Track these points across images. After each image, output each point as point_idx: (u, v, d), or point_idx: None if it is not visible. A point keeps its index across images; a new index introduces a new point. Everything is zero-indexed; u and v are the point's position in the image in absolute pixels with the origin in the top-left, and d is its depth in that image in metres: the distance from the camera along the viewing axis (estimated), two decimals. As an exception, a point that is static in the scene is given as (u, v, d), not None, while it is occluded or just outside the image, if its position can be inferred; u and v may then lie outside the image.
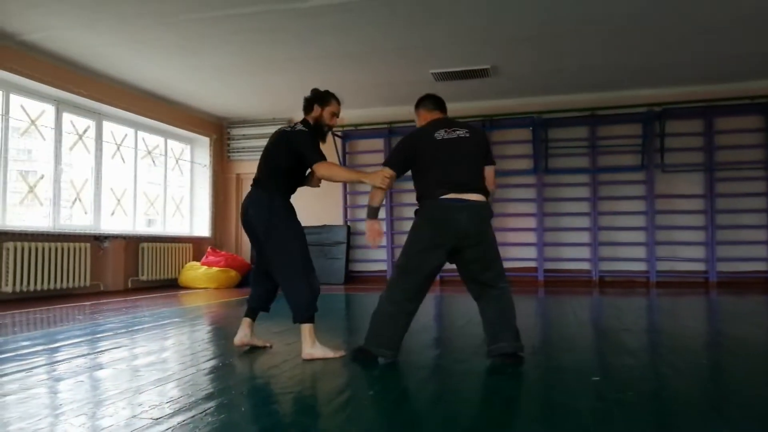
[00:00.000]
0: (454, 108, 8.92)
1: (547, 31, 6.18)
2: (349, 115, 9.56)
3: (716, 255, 8.16)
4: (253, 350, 3.29)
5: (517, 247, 8.92)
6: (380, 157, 9.44)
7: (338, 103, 3.36)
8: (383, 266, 9.32)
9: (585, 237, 8.69)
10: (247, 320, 3.31)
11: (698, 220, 8.34)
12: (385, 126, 9.37)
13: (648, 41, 6.47)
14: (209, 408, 2.11)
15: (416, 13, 5.72)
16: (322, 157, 3.08)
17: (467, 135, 2.97)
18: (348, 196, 9.62)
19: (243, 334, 3.29)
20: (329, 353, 3.02)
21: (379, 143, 9.52)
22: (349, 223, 9.46)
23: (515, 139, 8.96)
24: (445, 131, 2.98)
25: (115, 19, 5.73)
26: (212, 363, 2.97)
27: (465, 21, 5.90)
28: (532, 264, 8.81)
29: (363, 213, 9.50)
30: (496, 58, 7.07)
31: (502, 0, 5.43)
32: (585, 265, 8.67)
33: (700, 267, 8.30)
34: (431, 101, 3.23)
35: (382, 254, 9.34)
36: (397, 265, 3.01)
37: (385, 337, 2.91)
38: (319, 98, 3.32)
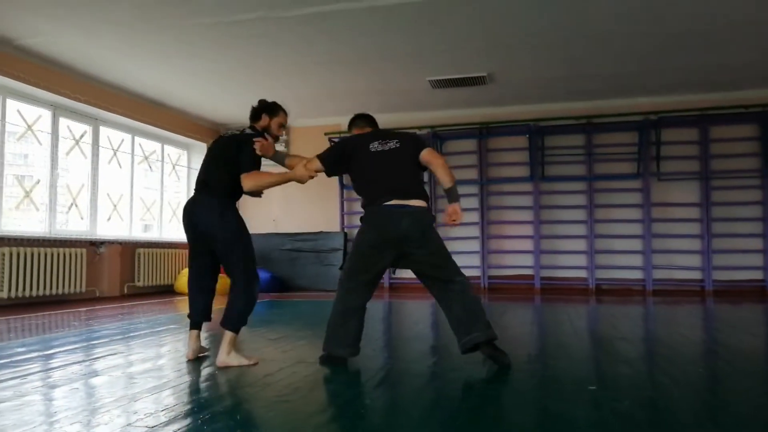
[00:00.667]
0: (450, 115, 9.09)
1: (543, 40, 6.22)
2: (346, 121, 9.56)
3: (712, 263, 8.19)
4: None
5: (514, 254, 8.94)
6: (377, 164, 9.46)
7: (286, 114, 3.43)
8: (380, 273, 9.29)
9: (581, 245, 8.71)
10: (194, 333, 3.22)
11: (694, 229, 8.37)
12: (382, 133, 9.36)
13: (643, 50, 6.51)
14: (205, 416, 2.10)
15: (412, 21, 5.74)
16: (252, 168, 3.09)
17: (398, 145, 3.10)
18: (345, 202, 9.62)
19: (195, 348, 3.19)
20: (244, 361, 3.01)
21: (376, 150, 9.51)
22: (346, 230, 9.46)
23: (512, 146, 8.99)
24: (379, 143, 3.12)
25: (112, 24, 5.73)
26: (208, 370, 2.95)
27: (462, 29, 5.93)
28: (529, 272, 8.82)
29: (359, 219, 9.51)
30: (492, 66, 7.10)
31: (499, 8, 5.47)
32: (581, 273, 8.69)
33: (696, 275, 8.33)
34: (363, 119, 3.44)
35: (379, 261, 9.31)
36: (344, 269, 3.13)
37: (340, 336, 3.03)
38: (268, 108, 3.37)
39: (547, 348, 3.76)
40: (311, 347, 3.74)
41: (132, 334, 4.24)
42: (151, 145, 9.15)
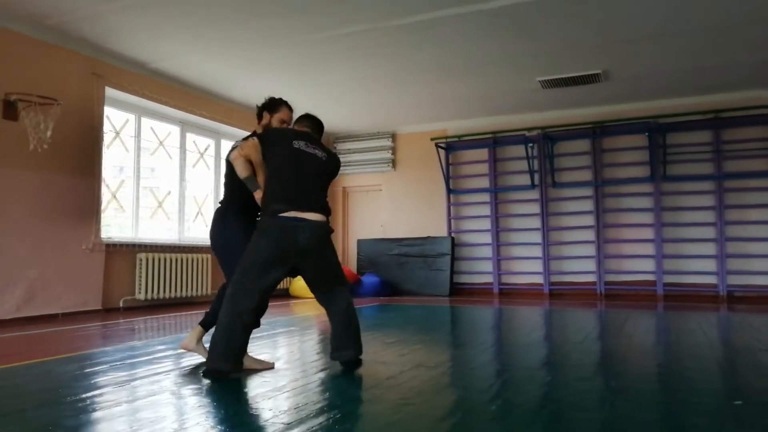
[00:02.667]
0: (561, 116, 8.81)
1: (662, 32, 5.85)
2: (452, 126, 9.57)
3: None
4: (362, 361, 3.32)
5: (633, 259, 8.45)
6: (484, 168, 9.36)
7: (290, 110, 3.37)
8: (489, 278, 9.17)
9: (710, 249, 8.07)
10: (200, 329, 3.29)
11: None
12: (490, 136, 9.26)
13: (781, 35, 5.94)
14: (335, 415, 2.17)
15: (521, 23, 5.63)
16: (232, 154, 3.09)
17: (324, 158, 3.09)
18: (452, 207, 9.58)
19: (201, 348, 3.25)
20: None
21: (483, 153, 9.42)
22: (453, 235, 9.41)
23: (629, 146, 8.53)
24: (305, 144, 3.05)
25: (232, 43, 6.11)
26: (330, 372, 3.04)
27: (574, 27, 5.73)
28: (650, 277, 8.30)
29: (468, 224, 9.44)
30: (607, 63, 6.79)
31: (612, 3, 5.22)
32: (710, 279, 8.04)
33: None
34: (307, 119, 3.33)
35: (488, 266, 9.20)
36: (233, 280, 2.88)
37: (221, 348, 2.76)
38: (268, 106, 3.34)
39: (679, 358, 3.51)
40: (428, 351, 3.76)
41: (254, 336, 4.46)
42: (266, 156, 9.62)
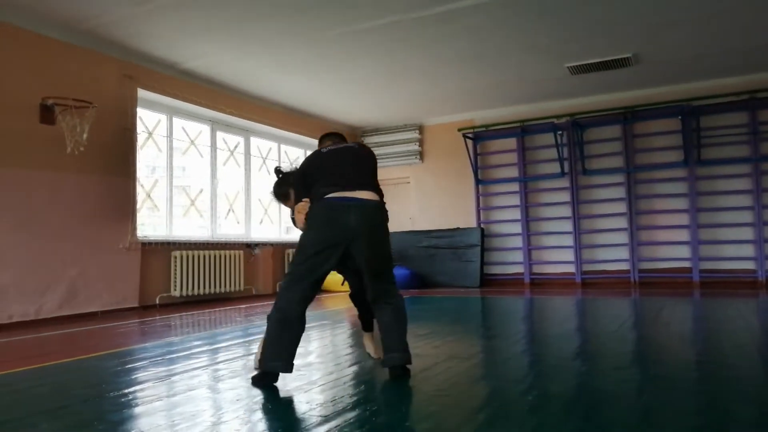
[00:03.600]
0: (591, 101, 8.66)
1: (695, 13, 5.70)
2: (479, 116, 9.50)
3: None
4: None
5: (668, 246, 8.29)
6: (513, 157, 9.27)
7: None
8: (520, 269, 9.10)
9: (748, 233, 7.86)
10: (368, 334, 3.33)
11: None
12: (518, 125, 9.16)
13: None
14: (372, 408, 2.19)
15: (549, 9, 5.54)
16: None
17: (356, 145, 2.95)
18: (481, 198, 9.52)
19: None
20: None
21: (511, 143, 9.33)
22: (482, 226, 9.36)
23: (661, 130, 8.35)
24: (332, 143, 3.01)
25: (261, 42, 6.16)
26: (364, 365, 3.07)
27: (603, 11, 5.62)
28: (686, 264, 8.14)
29: (497, 215, 9.37)
30: (638, 46, 6.64)
31: (645, -17, 5.11)
32: (749, 264, 7.84)
33: None
34: (328, 136, 3.26)
35: (519, 256, 9.12)
36: (286, 275, 2.74)
37: (275, 348, 2.59)
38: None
39: (719, 346, 3.43)
40: (461, 343, 3.76)
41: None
42: (295, 152, 9.71)
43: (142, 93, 6.66)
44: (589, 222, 8.76)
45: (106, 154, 6.14)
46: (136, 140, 6.51)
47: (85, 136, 5.64)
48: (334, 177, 2.73)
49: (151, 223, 7.04)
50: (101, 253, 6.03)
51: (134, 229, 6.39)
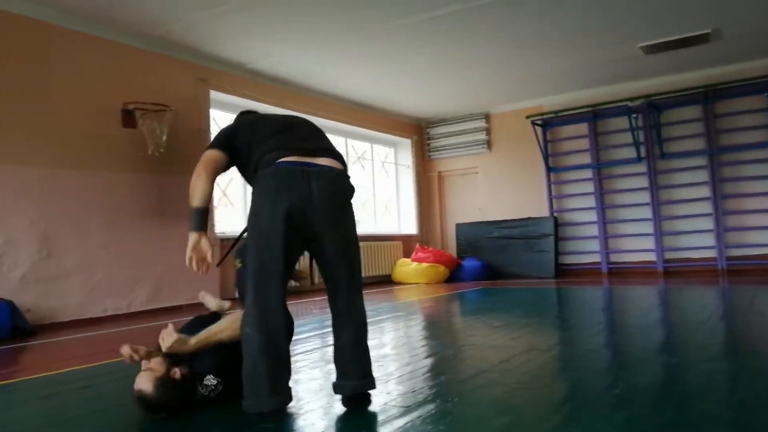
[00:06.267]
0: (668, 81, 8.27)
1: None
2: (548, 101, 9.25)
3: None
4: (473, 345, 3.31)
5: (759, 231, 7.80)
6: (585, 143, 8.98)
7: None
8: (596, 258, 8.81)
9: None
10: None
11: None
12: (589, 109, 8.85)
13: None
14: (453, 399, 2.18)
15: (623, -16, 5.31)
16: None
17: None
18: (552, 186, 9.27)
19: None
20: None
21: (582, 128, 9.03)
22: (555, 214, 9.12)
23: (746, 108, 7.85)
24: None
25: (319, 37, 6.24)
26: (440, 357, 3.06)
27: (681, -17, 5.33)
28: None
29: (570, 203, 9.10)
30: (717, 21, 6.27)
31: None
32: None
33: None
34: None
35: (595, 245, 8.83)
36: (249, 277, 2.14)
37: (268, 379, 1.98)
38: None
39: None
40: (538, 334, 3.69)
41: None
42: (361, 146, 9.79)
43: (214, 94, 6.89)
44: (669, 208, 8.36)
45: (183, 154, 6.40)
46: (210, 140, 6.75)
47: (164, 138, 5.91)
48: (285, 140, 2.14)
49: (227, 220, 7.29)
50: (183, 249, 6.28)
51: (212, 225, 6.63)
